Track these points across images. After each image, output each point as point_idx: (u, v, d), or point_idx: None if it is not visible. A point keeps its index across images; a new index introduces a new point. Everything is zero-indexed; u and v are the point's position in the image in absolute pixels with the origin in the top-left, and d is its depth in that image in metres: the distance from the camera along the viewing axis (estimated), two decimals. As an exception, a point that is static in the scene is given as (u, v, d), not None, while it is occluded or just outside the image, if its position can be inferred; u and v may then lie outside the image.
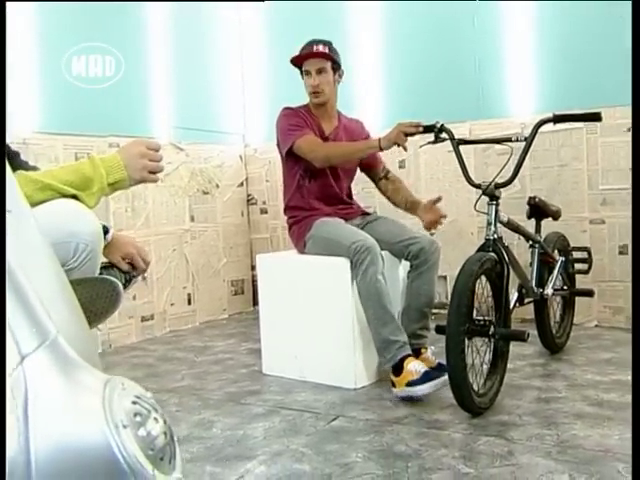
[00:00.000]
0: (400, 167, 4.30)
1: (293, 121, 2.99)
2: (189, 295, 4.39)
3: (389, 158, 4.19)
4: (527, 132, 2.79)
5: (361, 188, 4.27)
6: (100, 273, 1.77)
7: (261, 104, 4.79)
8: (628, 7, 3.55)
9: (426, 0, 4.12)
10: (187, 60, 4.51)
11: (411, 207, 3.12)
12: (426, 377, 2.58)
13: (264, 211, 4.83)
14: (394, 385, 2.67)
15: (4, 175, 1.43)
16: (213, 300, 4.57)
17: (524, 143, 2.64)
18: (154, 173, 1.54)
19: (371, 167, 3.21)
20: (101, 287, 1.44)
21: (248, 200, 4.90)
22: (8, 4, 1.77)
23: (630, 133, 3.63)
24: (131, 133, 3.72)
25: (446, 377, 2.43)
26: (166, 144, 4.27)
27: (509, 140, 2.71)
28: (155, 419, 0.53)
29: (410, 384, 2.60)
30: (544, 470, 1.93)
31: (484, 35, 4.07)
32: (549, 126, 3.70)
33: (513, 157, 2.64)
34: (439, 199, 3.02)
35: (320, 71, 2.98)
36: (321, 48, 2.98)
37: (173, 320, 4.26)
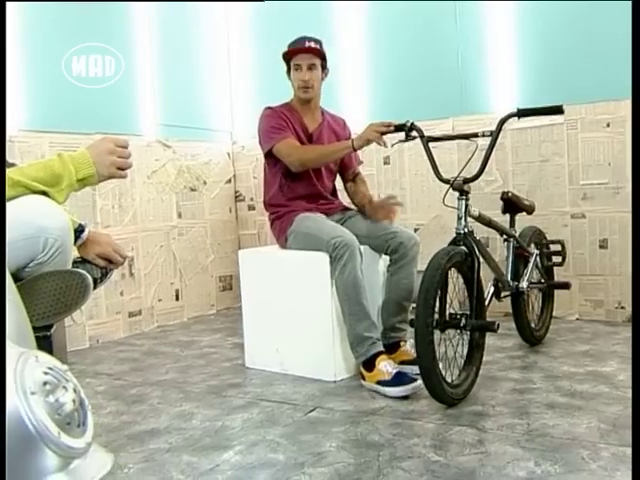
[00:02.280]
0: (385, 163, 4.36)
1: (274, 122, 3.03)
2: (177, 291, 4.44)
3: (374, 155, 4.26)
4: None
5: (347, 184, 4.32)
6: (76, 267, 1.82)
7: (248, 101, 4.83)
8: (610, 4, 3.62)
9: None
10: (174, 58, 4.55)
11: (361, 210, 3.14)
12: (398, 380, 2.63)
13: (252, 207, 4.88)
14: (364, 378, 2.76)
15: (4, 175, 1.47)
16: (201, 296, 4.61)
17: (490, 138, 2.68)
18: (122, 169, 1.58)
19: (345, 168, 3.26)
20: (70, 279, 1.49)
21: (236, 197, 4.95)
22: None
23: (609, 129, 3.69)
24: (118, 131, 3.75)
25: (420, 382, 2.51)
26: (153, 141, 4.32)
27: (475, 135, 2.76)
28: (64, 388, 0.58)
29: (381, 383, 2.67)
30: (511, 458, 1.98)
31: (466, 32, 4.11)
32: (531, 122, 3.80)
33: (479, 152, 2.70)
34: (391, 197, 3.07)
35: (311, 67, 3.04)
36: (313, 45, 3.04)
37: (161, 316, 4.31)
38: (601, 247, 3.79)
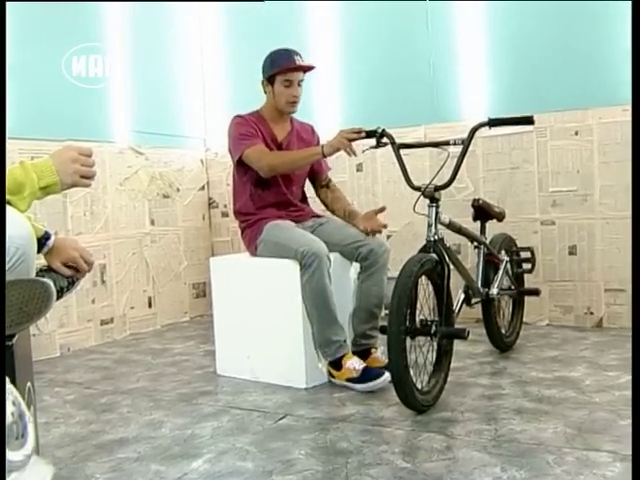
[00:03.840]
0: (358, 170, 4.38)
1: (243, 130, 3.05)
2: (149, 298, 4.41)
3: (347, 162, 4.27)
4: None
5: (320, 191, 4.33)
6: (42, 276, 1.80)
7: (222, 108, 4.81)
8: (580, 14, 3.68)
9: (380, 0, 4.19)
10: (146, 63, 4.53)
11: (349, 215, 3.12)
12: (366, 376, 2.75)
13: (225, 214, 4.87)
14: (332, 376, 2.87)
15: (4, 174, 1.45)
16: (174, 303, 4.59)
17: (462, 147, 2.70)
18: (86, 178, 1.57)
19: (316, 174, 3.26)
20: (33, 289, 1.48)
21: (209, 203, 4.94)
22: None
23: (577, 136, 3.75)
24: (89, 137, 3.74)
25: (388, 376, 2.54)
26: (125, 148, 4.30)
27: (447, 144, 2.78)
28: (3, 400, 0.58)
29: (350, 380, 2.78)
30: (478, 463, 2.00)
31: (438, 39, 4.15)
32: (501, 130, 3.83)
33: (450, 160, 2.72)
34: (383, 209, 3.03)
35: (300, 83, 3.08)
36: (301, 61, 3.06)
37: (133, 323, 4.28)
38: (570, 253, 3.84)
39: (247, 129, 3.04)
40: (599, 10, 3.68)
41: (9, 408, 0.57)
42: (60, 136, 3.69)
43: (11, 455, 0.57)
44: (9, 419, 0.57)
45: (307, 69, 3.09)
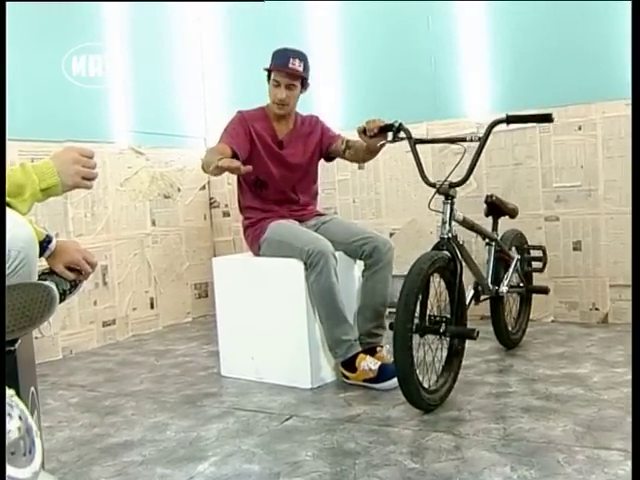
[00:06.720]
0: (359, 168, 4.35)
1: (231, 128, 3.03)
2: (152, 299, 4.39)
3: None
4: (482, 132, 2.78)
5: (322, 190, 4.31)
6: (44, 279, 1.78)
7: (222, 106, 4.78)
8: (582, 9, 3.65)
9: (382, 0, 4.17)
10: (146, 62, 4.50)
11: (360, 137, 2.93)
12: (384, 374, 2.73)
13: (226, 214, 4.84)
14: (346, 377, 2.86)
15: (4, 174, 1.43)
16: (176, 304, 4.57)
17: (478, 143, 2.65)
18: (87, 179, 1.55)
19: (331, 150, 3.16)
20: (35, 292, 1.45)
21: (210, 203, 4.91)
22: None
23: (581, 132, 3.72)
24: (89, 138, 3.71)
25: None
26: (126, 149, 4.27)
27: (464, 140, 2.73)
28: (9, 415, 0.55)
29: (368, 381, 2.77)
30: (487, 463, 1.97)
31: (439, 36, 4.12)
32: (503, 125, 3.80)
33: (467, 156, 2.67)
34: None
35: (289, 87, 3.02)
36: (297, 64, 2.98)
37: (136, 324, 4.26)
38: (575, 249, 3.81)
39: (233, 127, 3.02)
40: (601, 6, 3.65)
41: (15, 423, 0.54)
42: (60, 137, 3.68)
43: (17, 473, 0.54)
44: (15, 434, 0.55)
45: (296, 76, 2.99)
